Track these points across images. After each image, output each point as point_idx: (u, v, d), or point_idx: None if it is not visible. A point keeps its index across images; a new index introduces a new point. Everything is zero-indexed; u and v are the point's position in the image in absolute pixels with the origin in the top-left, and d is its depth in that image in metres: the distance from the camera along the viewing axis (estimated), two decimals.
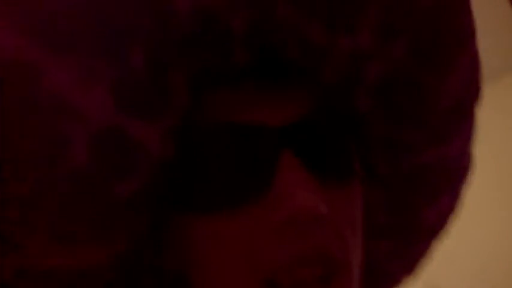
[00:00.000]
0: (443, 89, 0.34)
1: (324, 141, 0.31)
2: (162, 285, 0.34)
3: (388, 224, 0.41)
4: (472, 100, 0.36)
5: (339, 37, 0.30)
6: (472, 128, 0.38)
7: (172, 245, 0.32)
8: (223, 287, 0.30)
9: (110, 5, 0.25)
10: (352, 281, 0.31)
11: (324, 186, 0.30)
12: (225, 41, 0.28)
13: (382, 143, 0.36)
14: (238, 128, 0.30)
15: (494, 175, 2.05)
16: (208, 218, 0.30)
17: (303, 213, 0.28)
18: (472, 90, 0.36)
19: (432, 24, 0.31)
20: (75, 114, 0.24)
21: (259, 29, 0.29)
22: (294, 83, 0.32)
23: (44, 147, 0.25)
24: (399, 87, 0.33)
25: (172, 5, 0.26)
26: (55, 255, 0.27)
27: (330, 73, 0.32)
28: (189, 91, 0.29)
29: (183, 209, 0.31)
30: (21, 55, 0.23)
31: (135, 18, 0.25)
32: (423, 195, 0.39)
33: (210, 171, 0.30)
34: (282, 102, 0.31)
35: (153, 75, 0.26)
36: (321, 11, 0.29)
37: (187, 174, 0.30)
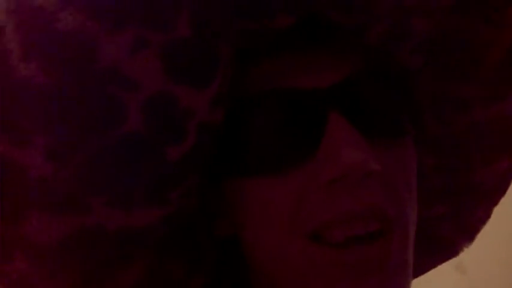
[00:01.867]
0: (495, 41, 0.32)
1: (372, 100, 0.31)
2: (213, 247, 0.36)
3: (441, 187, 0.40)
4: None
5: None
6: None
7: (225, 209, 0.33)
8: (270, 245, 0.31)
9: None
10: (408, 238, 0.31)
11: (374, 145, 0.30)
12: (265, 7, 0.29)
13: (434, 100, 0.35)
14: (285, 92, 0.30)
15: None
16: (259, 181, 0.30)
17: (352, 170, 0.28)
18: None
19: None
20: (128, 82, 0.26)
21: None
22: (339, 43, 0.32)
23: (101, 112, 0.26)
24: (448, 41, 0.32)
25: None
26: (113, 218, 0.29)
27: (374, 32, 0.31)
28: (236, 60, 0.30)
29: (234, 174, 0.32)
30: (81, 32, 0.25)
31: None
32: (478, 156, 0.38)
33: (260, 136, 0.30)
34: (327, 64, 0.31)
35: (200, 43, 0.27)
36: None
37: (238, 140, 0.31)
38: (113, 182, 0.28)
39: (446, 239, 0.43)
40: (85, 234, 0.28)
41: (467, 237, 0.44)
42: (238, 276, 0.37)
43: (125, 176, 0.28)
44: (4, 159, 0.27)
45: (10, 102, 0.26)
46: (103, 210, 0.28)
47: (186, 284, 0.35)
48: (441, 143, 0.37)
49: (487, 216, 0.43)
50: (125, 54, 0.26)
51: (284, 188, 0.30)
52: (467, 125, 0.36)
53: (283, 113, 0.30)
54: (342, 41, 0.32)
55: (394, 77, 0.33)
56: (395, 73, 0.33)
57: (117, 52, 0.25)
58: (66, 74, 0.26)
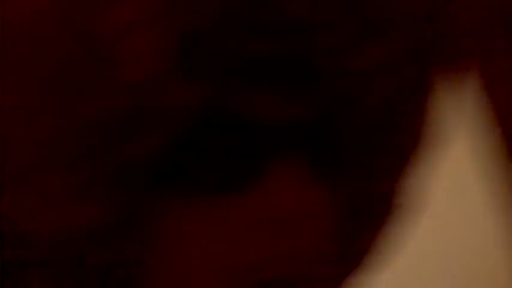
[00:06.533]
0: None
1: (323, 143, 0.32)
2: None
3: None
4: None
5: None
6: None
7: (146, 228, 0.32)
8: (185, 278, 0.31)
9: None
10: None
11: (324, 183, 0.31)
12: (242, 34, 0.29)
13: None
14: (239, 120, 0.30)
15: None
16: (194, 201, 0.30)
17: (286, 211, 0.29)
18: None
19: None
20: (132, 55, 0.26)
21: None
22: (305, 86, 0.32)
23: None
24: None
25: None
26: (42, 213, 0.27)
27: (338, 88, 0.32)
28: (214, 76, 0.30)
29: (171, 190, 0.30)
30: None
31: None
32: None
33: (206, 154, 0.30)
34: (290, 101, 0.31)
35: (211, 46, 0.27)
36: None
37: (186, 153, 0.30)
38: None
39: None
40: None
41: None
42: None
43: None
44: None
45: None
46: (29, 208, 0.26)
47: None
48: None
49: None
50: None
51: (217, 215, 0.30)
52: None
53: (232, 138, 0.30)
54: (310, 85, 0.32)
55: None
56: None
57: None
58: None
